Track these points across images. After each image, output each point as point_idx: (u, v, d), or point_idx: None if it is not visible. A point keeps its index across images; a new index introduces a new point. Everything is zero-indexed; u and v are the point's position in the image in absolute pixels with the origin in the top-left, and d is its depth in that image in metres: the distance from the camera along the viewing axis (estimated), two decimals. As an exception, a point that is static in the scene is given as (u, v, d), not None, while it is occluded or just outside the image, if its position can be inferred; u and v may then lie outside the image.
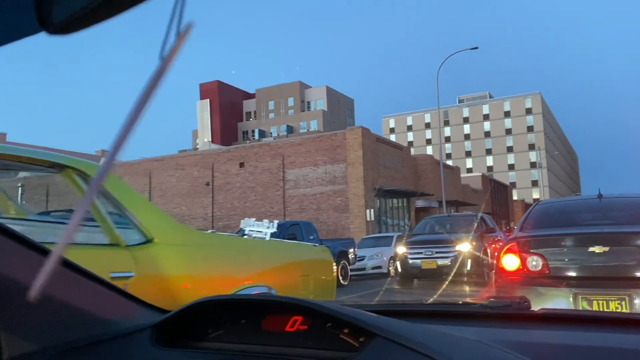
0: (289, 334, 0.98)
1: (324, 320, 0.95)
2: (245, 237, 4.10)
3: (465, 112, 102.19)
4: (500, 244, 12.85)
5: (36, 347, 0.97)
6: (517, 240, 4.67)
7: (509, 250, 4.62)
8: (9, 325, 0.94)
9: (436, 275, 11.67)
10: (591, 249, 4.22)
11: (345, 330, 0.93)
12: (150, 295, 1.52)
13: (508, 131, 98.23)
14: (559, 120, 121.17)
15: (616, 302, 3.98)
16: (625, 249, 4.21)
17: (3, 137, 41.58)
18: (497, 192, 55.09)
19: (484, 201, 37.23)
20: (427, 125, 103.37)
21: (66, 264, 1.04)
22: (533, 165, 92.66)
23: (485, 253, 12.10)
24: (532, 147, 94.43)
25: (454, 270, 11.28)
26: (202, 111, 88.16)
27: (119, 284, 1.33)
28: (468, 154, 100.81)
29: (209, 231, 3.79)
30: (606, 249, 4.17)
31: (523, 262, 4.48)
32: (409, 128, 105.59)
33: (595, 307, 4.00)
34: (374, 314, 0.93)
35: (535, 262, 4.42)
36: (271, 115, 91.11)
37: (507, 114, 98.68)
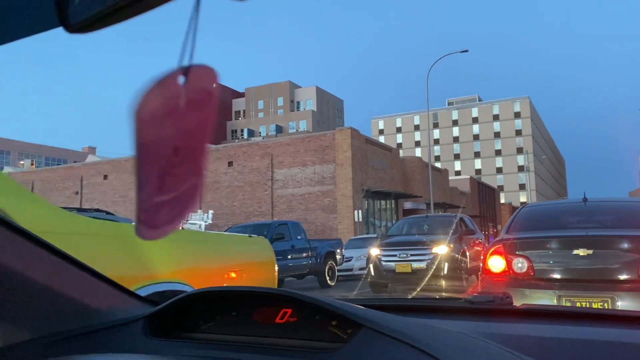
0: (279, 326, 1.00)
1: (313, 312, 0.97)
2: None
3: (455, 115, 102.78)
4: (479, 247, 12.59)
5: (30, 337, 0.99)
6: (503, 242, 4.72)
7: (495, 252, 4.67)
8: (3, 315, 0.96)
9: (411, 279, 11.01)
10: (575, 251, 4.29)
11: (334, 322, 0.95)
12: None
13: (497, 134, 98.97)
14: (547, 124, 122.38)
15: (599, 304, 4.05)
16: (608, 252, 4.28)
17: None
18: (484, 195, 55.45)
19: (465, 202, 37.44)
20: (417, 127, 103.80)
21: (60, 254, 1.06)
22: (521, 168, 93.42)
23: (464, 256, 11.65)
24: (520, 150, 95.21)
25: (430, 273, 10.64)
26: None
27: None
28: (457, 156, 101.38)
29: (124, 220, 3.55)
30: (590, 251, 4.23)
31: (509, 263, 4.54)
32: (398, 130, 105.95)
33: (578, 309, 4.06)
34: (361, 307, 0.96)
35: (520, 264, 4.48)
36: (260, 115, 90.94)
37: (495, 117, 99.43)
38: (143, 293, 2.24)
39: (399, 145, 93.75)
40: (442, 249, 11.03)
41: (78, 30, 0.46)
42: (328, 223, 26.20)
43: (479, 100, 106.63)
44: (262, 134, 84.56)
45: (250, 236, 4.75)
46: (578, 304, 4.08)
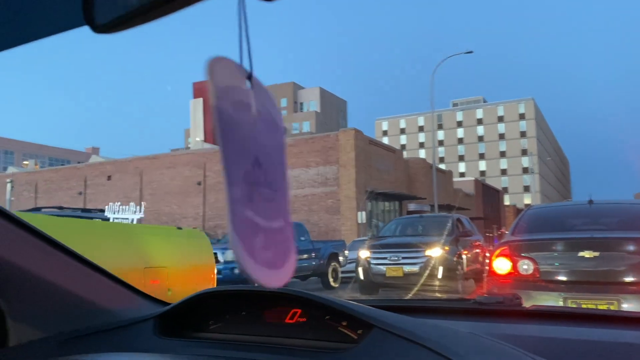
0: (289, 326, 1.01)
1: (323, 312, 0.97)
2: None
3: (459, 116, 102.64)
4: (478, 250, 12.23)
5: (41, 335, 0.99)
6: (509, 244, 4.72)
7: (501, 254, 4.67)
8: (16, 313, 0.97)
9: (402, 283, 10.27)
10: (581, 253, 4.28)
11: (344, 323, 0.95)
12: None
13: (501, 136, 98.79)
14: (552, 126, 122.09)
15: (605, 306, 4.04)
16: (614, 254, 4.27)
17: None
18: (489, 196, 55.34)
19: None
20: (421, 129, 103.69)
21: (71, 254, 1.06)
22: (525, 170, 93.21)
23: (460, 259, 10.94)
24: (524, 152, 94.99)
25: (423, 278, 9.87)
26: (195, 110, 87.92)
27: None
28: (461, 158, 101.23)
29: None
30: (596, 254, 4.23)
31: (514, 265, 4.53)
32: (402, 131, 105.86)
33: (584, 311, 4.05)
34: (371, 307, 0.96)
35: (526, 266, 4.48)
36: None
37: (500, 119, 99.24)
38: None
39: (403, 147, 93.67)
40: (436, 252, 10.36)
41: (104, 30, 0.46)
42: (331, 224, 26.20)
43: (484, 101, 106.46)
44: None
45: (180, 228, 3.84)
46: (584, 306, 4.07)
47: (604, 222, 5.10)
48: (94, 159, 49.39)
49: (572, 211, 5.78)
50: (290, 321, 1.01)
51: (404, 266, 10.40)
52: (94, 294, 1.09)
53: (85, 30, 0.47)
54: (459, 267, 10.77)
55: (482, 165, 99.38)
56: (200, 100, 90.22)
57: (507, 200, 72.79)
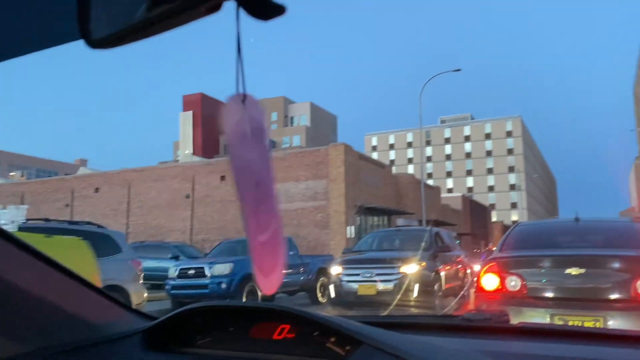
0: (277, 342, 1.00)
1: (312, 328, 0.97)
2: None
3: (447, 133, 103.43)
4: (458, 266, 11.70)
5: (28, 349, 0.98)
6: (496, 261, 4.74)
7: (488, 270, 4.69)
8: (0, 328, 0.95)
9: (375, 303, 9.46)
10: (568, 270, 4.31)
11: (332, 339, 0.95)
12: None
13: (489, 153, 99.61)
14: (539, 144, 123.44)
15: (591, 323, 4.06)
16: (600, 271, 4.30)
17: None
18: (476, 213, 55.62)
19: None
20: (409, 145, 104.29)
21: (55, 266, 1.05)
22: (512, 187, 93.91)
23: (438, 276, 10.21)
24: (511, 169, 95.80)
25: (398, 297, 9.12)
26: (185, 123, 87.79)
27: None
28: (449, 174, 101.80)
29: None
30: (582, 271, 4.26)
31: (502, 281, 4.55)
32: (391, 146, 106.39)
33: (570, 328, 4.07)
34: (360, 324, 0.96)
35: (514, 282, 4.49)
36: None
37: (487, 136, 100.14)
38: None
39: (392, 162, 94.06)
40: (412, 268, 9.60)
41: (100, 45, 0.47)
42: (320, 239, 26.14)
43: (472, 118, 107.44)
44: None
45: (49, 236, 2.98)
46: (570, 323, 4.09)
47: (590, 240, 5.15)
48: (82, 170, 49.01)
49: (559, 228, 5.83)
50: (278, 337, 1.00)
51: (378, 283, 9.64)
52: (80, 308, 1.07)
53: (72, 42, 0.51)
54: (437, 285, 10.10)
55: (470, 181, 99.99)
56: (190, 113, 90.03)
57: (494, 217, 73.23)
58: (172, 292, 11.64)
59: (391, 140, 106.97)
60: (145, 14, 0.43)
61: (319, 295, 14.33)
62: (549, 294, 4.38)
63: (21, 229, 7.86)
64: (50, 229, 7.32)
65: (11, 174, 65.75)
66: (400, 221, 31.75)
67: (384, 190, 30.82)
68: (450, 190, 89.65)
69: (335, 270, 10.31)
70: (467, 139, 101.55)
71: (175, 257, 16.44)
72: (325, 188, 26.35)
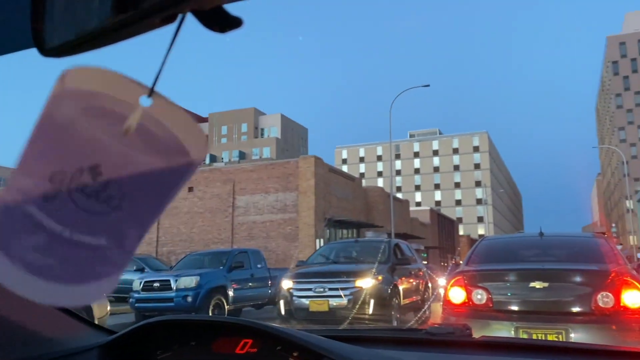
0: (239, 356, 0.98)
1: (275, 343, 0.95)
2: None
3: (416, 147, 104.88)
4: (417, 280, 11.04)
5: None
6: (463, 274, 4.79)
7: (455, 284, 4.74)
8: None
9: (328, 320, 8.71)
10: (532, 284, 4.38)
11: (295, 354, 0.93)
12: None
13: (456, 167, 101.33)
14: (505, 160, 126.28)
15: (554, 335, 4.13)
16: (563, 285, 4.40)
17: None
18: (444, 226, 56.34)
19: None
20: (379, 158, 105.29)
21: None
22: (479, 201, 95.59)
23: (396, 290, 9.53)
24: (478, 184, 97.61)
25: (352, 313, 8.56)
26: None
27: None
28: (417, 187, 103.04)
29: None
30: (546, 284, 4.34)
31: (469, 295, 4.60)
32: (361, 160, 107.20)
33: (534, 341, 4.14)
34: (323, 338, 0.95)
35: (480, 296, 4.54)
36: (223, 140, 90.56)
37: (455, 151, 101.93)
38: None
39: (362, 175, 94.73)
40: (367, 282, 8.92)
41: (53, 54, 0.46)
42: (289, 252, 26.03)
43: (440, 133, 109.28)
44: (224, 160, 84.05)
45: None
46: (534, 336, 4.15)
47: (553, 254, 5.26)
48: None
49: (523, 243, 5.94)
50: (241, 352, 0.98)
51: (330, 299, 8.90)
52: (35, 322, 1.02)
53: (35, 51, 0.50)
54: (395, 300, 9.43)
55: (438, 195, 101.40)
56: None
57: (461, 230, 74.32)
58: (136, 305, 11.39)
59: (361, 153, 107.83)
60: (100, 23, 0.43)
61: (287, 308, 14.22)
62: (514, 307, 4.45)
63: None
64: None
65: (-30, 182, 63.64)
66: (369, 234, 31.89)
67: (353, 203, 30.95)
68: (418, 204, 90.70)
69: (286, 284, 9.43)
70: (435, 153, 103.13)
71: (140, 270, 16.11)
72: (295, 200, 26.31)
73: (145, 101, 0.44)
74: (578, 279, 4.39)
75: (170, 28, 0.43)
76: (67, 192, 0.41)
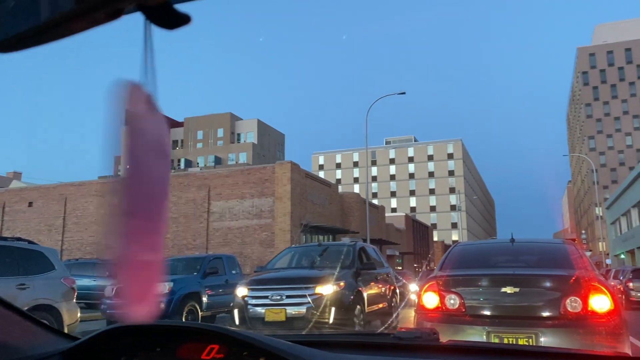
0: None
1: (241, 348, 0.94)
2: None
3: (392, 154, 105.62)
4: (384, 285, 10.54)
5: None
6: (436, 279, 4.84)
7: (429, 289, 4.78)
8: None
9: (285, 330, 8.24)
10: (503, 289, 4.45)
11: (262, 359, 0.92)
12: None
13: (431, 174, 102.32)
14: (478, 167, 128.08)
15: (524, 339, 4.19)
16: (533, 290, 4.47)
17: None
18: (419, 232, 56.79)
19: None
20: (355, 164, 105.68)
21: None
22: (453, 208, 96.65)
23: (360, 297, 8.92)
24: (452, 190, 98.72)
25: (311, 323, 7.95)
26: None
27: None
28: (393, 194, 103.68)
29: None
30: (517, 289, 4.40)
31: (442, 300, 4.64)
32: (338, 166, 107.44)
33: (505, 345, 4.19)
34: (290, 343, 0.94)
35: (452, 301, 4.59)
36: (199, 145, 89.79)
37: (430, 158, 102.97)
38: None
39: (338, 181, 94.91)
40: (328, 289, 8.30)
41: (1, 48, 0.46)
42: (265, 257, 25.89)
43: (415, 140, 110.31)
44: (200, 165, 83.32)
45: None
46: (505, 340, 4.20)
47: (524, 260, 5.35)
48: (15, 184, 46.60)
49: (495, 249, 6.02)
50: (207, 357, 0.97)
51: (288, 308, 8.24)
52: None
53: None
54: (358, 307, 8.80)
55: (413, 201, 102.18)
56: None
57: (435, 236, 75.01)
58: (108, 311, 11.18)
59: (338, 159, 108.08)
60: (44, 18, 0.42)
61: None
62: (486, 312, 4.50)
63: None
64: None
65: None
66: (345, 240, 31.92)
67: (329, 209, 30.98)
68: (394, 210, 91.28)
69: (240, 292, 8.68)
70: (410, 160, 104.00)
71: (113, 276, 15.81)
72: (271, 206, 26.21)
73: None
74: (548, 284, 4.47)
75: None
76: (134, 219, 0.47)
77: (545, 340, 4.12)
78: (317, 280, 8.45)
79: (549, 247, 5.83)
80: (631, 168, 66.55)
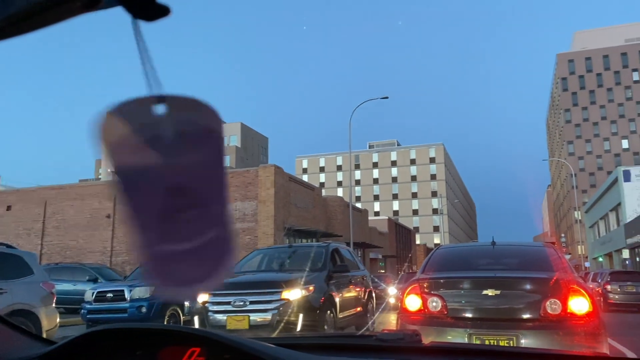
0: None
1: (222, 351, 0.93)
2: None
3: (375, 158, 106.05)
4: (360, 289, 10.05)
5: None
6: (419, 282, 4.86)
7: (411, 291, 4.81)
8: None
9: (249, 339, 5.65)
10: (485, 291, 4.49)
11: None
12: None
13: (413, 178, 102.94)
14: (460, 171, 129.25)
15: (505, 341, 4.23)
16: (514, 292, 4.52)
17: None
18: (401, 235, 57.03)
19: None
20: (339, 168, 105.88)
21: None
22: (435, 211, 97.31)
23: (332, 302, 8.34)
24: (434, 194, 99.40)
25: (277, 331, 7.35)
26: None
27: None
28: (376, 197, 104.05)
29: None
30: (498, 292, 4.45)
31: (424, 302, 4.67)
32: (322, 169, 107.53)
33: (487, 347, 4.22)
34: (272, 346, 0.94)
35: (435, 303, 4.62)
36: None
37: (412, 162, 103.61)
38: None
39: (322, 185, 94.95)
40: (295, 294, 7.67)
41: None
42: (247, 261, 25.78)
43: (397, 144, 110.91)
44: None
45: None
46: (487, 342, 4.24)
47: (505, 262, 5.41)
48: (-9, 187, 45.71)
49: (477, 251, 6.08)
50: None
51: (252, 314, 7.59)
52: None
53: None
54: (330, 314, 8.22)
55: (396, 205, 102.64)
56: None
57: (418, 240, 75.43)
58: (88, 316, 11.03)
59: (321, 163, 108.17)
60: (19, 7, 0.41)
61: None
62: (468, 314, 4.54)
63: None
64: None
65: None
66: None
67: (313, 213, 30.96)
68: (377, 214, 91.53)
69: (200, 297, 7.92)
70: (393, 164, 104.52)
71: (93, 280, 15.62)
72: (254, 209, 26.11)
73: (160, 109, 0.47)
74: (528, 286, 4.53)
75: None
76: (167, 216, 0.48)
77: (526, 341, 4.16)
78: (283, 285, 7.82)
79: (529, 250, 5.91)
80: (609, 172, 67.73)
